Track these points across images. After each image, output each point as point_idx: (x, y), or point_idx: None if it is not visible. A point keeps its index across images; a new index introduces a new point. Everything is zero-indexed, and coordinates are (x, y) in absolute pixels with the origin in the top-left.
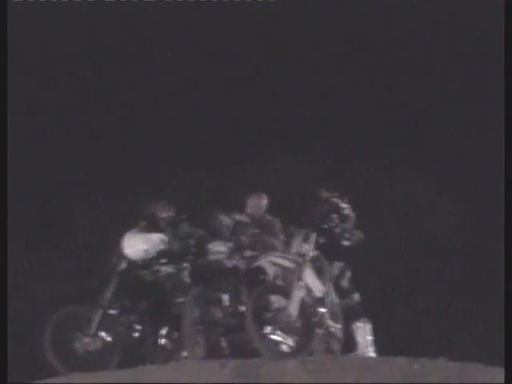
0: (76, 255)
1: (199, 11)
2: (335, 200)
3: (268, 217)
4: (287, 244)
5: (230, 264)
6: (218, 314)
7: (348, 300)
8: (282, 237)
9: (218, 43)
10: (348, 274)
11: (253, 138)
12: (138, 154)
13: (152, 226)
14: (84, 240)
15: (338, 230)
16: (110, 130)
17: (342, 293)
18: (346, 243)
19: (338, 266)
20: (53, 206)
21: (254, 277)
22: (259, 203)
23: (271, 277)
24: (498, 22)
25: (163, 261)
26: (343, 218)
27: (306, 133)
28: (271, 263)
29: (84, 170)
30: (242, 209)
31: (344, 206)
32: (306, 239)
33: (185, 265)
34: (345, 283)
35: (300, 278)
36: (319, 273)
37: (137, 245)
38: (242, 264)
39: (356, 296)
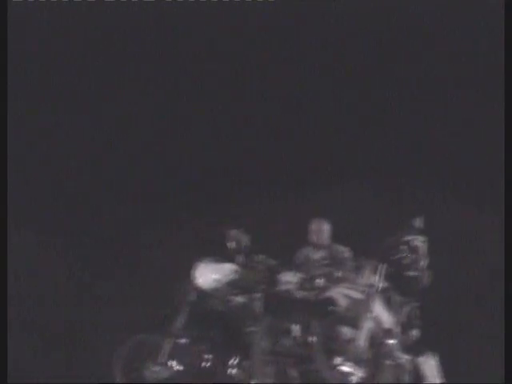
0: (147, 283)
1: (199, 11)
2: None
3: (336, 246)
4: (357, 275)
5: (300, 294)
6: (288, 344)
7: (415, 331)
8: (351, 267)
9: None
10: (416, 304)
11: (326, 164)
12: (211, 179)
13: (224, 255)
14: (155, 268)
15: (407, 261)
16: (176, 147)
17: (410, 324)
18: (413, 275)
19: (404, 302)
20: (124, 231)
21: (324, 308)
22: (320, 229)
23: (341, 308)
24: (498, 22)
25: (235, 291)
26: (412, 249)
27: (372, 157)
28: (341, 294)
29: (156, 193)
30: (306, 237)
31: (413, 237)
32: (375, 270)
33: (256, 295)
34: (413, 314)
35: (369, 310)
36: (388, 304)
37: (208, 274)
38: (312, 295)
39: (417, 332)
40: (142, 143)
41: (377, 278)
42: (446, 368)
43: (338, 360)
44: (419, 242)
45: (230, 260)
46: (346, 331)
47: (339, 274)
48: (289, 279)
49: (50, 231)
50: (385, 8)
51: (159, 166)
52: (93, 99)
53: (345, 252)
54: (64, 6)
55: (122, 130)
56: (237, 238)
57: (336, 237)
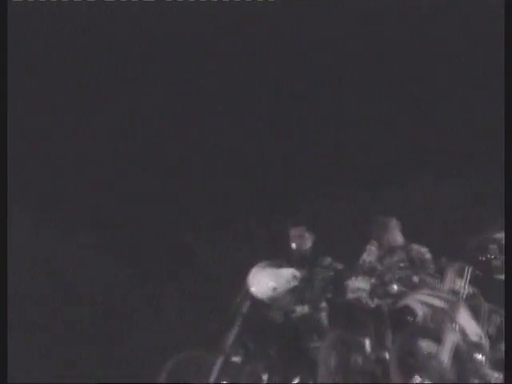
0: (196, 293)
1: (199, 11)
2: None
3: (414, 246)
4: (438, 279)
5: (372, 303)
6: (359, 360)
7: (499, 349)
8: (432, 270)
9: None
10: (501, 317)
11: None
12: (264, 174)
13: (284, 258)
14: (205, 275)
15: (497, 263)
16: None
17: (500, 336)
18: (502, 278)
19: (493, 310)
20: (169, 235)
21: (401, 318)
22: (389, 227)
23: (420, 318)
24: (498, 22)
25: (296, 300)
26: (502, 249)
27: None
28: (420, 302)
29: (205, 193)
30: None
31: (502, 235)
32: (460, 274)
33: (321, 304)
34: (499, 330)
35: (453, 320)
36: (475, 313)
37: (265, 281)
38: (386, 303)
39: (503, 345)
40: (179, 142)
41: (462, 282)
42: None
43: (417, 379)
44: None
45: (291, 264)
46: (426, 345)
47: (418, 278)
48: (359, 286)
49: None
50: (385, 8)
51: (203, 166)
52: (93, 99)
53: (424, 253)
54: (64, 6)
55: (128, 128)
56: (300, 237)
57: (411, 236)
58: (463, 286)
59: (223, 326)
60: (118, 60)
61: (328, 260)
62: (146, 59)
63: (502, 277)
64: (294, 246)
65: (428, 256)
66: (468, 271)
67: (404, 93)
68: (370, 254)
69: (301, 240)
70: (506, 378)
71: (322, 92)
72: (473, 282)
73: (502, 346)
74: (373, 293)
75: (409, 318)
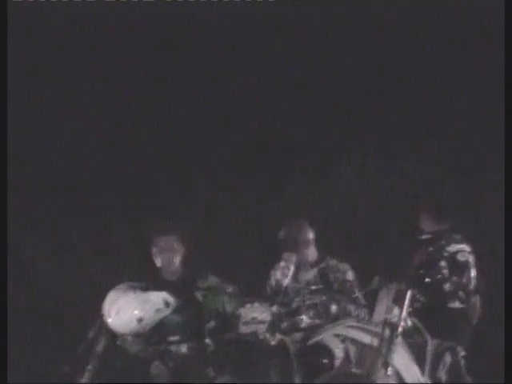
0: (41, 324)
1: (199, 11)
2: (445, 237)
3: (332, 262)
4: (366, 308)
5: (273, 340)
6: None
7: None
8: (358, 295)
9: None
10: (460, 360)
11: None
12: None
13: (151, 280)
14: (52, 300)
15: (447, 287)
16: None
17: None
18: (457, 306)
19: (443, 347)
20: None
21: (313, 360)
22: (301, 237)
23: (339, 360)
24: (498, 21)
25: (169, 336)
26: (456, 267)
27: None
28: (340, 338)
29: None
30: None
31: (459, 247)
32: (397, 299)
33: (203, 342)
34: (453, 372)
35: (387, 362)
36: (417, 354)
37: (127, 310)
38: (292, 340)
39: None
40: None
41: (399, 311)
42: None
43: None
44: (466, 254)
45: (162, 287)
46: None
47: (337, 306)
48: (256, 316)
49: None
50: (385, 8)
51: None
52: (93, 99)
53: (345, 271)
54: (64, 6)
55: (128, 129)
56: (169, 250)
57: (325, 248)
58: (402, 317)
59: (73, 371)
60: (118, 60)
61: (213, 280)
62: (145, 59)
63: (456, 305)
64: (159, 262)
65: (350, 276)
66: (409, 297)
67: (403, 92)
68: (283, 274)
69: (170, 254)
70: (506, 377)
71: (320, 93)
72: (415, 311)
73: None
74: (275, 325)
75: (324, 360)
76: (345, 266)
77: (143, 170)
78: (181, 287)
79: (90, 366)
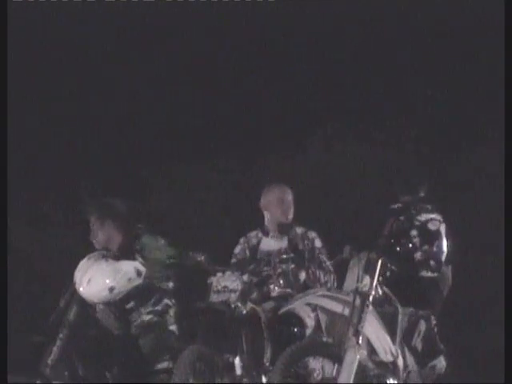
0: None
1: (199, 11)
2: (416, 206)
3: (301, 229)
4: (334, 275)
5: (244, 308)
6: None
7: (432, 366)
8: (328, 264)
9: (224, 43)
10: (433, 324)
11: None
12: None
13: (122, 249)
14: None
15: (418, 256)
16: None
17: (423, 356)
18: (429, 275)
19: (416, 315)
20: None
21: (284, 329)
22: (282, 202)
23: (310, 329)
24: (498, 21)
25: (139, 305)
26: (427, 236)
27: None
28: (311, 307)
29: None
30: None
31: (430, 216)
32: (367, 268)
33: (172, 310)
34: (428, 341)
35: (357, 332)
36: (388, 323)
37: (97, 279)
38: (263, 309)
39: (442, 361)
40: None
41: (370, 280)
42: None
43: None
44: (437, 223)
45: (132, 255)
46: (319, 365)
47: (306, 274)
48: (227, 285)
49: None
50: (384, 7)
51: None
52: (93, 99)
53: (314, 238)
54: (64, 6)
55: (125, 129)
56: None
57: (301, 217)
58: (372, 286)
59: (44, 342)
60: (118, 59)
61: (146, 238)
62: (145, 59)
63: (427, 273)
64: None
65: (318, 243)
66: (380, 265)
67: (403, 92)
68: (244, 242)
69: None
70: (506, 377)
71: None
72: (386, 280)
73: (433, 361)
74: (245, 294)
75: (295, 328)
76: (312, 234)
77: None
78: (150, 255)
79: (61, 335)
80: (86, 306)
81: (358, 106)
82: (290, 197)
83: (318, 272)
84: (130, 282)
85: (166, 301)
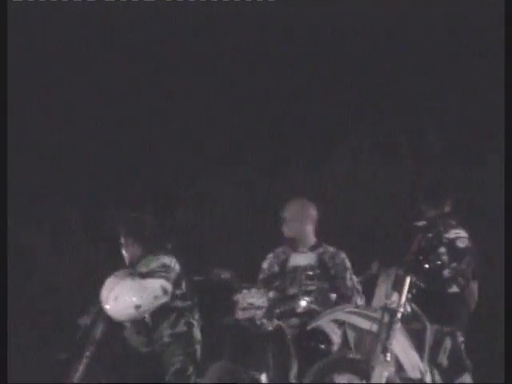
0: (39, 310)
1: (199, 11)
2: (443, 222)
3: (332, 248)
4: (362, 293)
5: (270, 325)
6: None
7: (466, 377)
8: (356, 283)
9: (226, 43)
10: (460, 344)
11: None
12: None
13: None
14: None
15: (447, 273)
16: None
17: (448, 373)
18: (456, 291)
19: (443, 332)
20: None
21: (310, 345)
22: (305, 218)
23: (336, 345)
24: (498, 21)
25: (166, 322)
26: (456, 254)
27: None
28: (337, 323)
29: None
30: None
31: (458, 233)
32: (396, 285)
33: (195, 329)
34: (454, 358)
35: (386, 348)
36: (416, 340)
37: (124, 297)
38: (289, 325)
39: (468, 378)
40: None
41: (398, 297)
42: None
43: None
44: (465, 240)
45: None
46: (347, 381)
47: (337, 294)
48: (253, 301)
49: None
50: (384, 7)
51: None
52: (93, 99)
53: (344, 258)
54: (64, 6)
55: (124, 129)
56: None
57: (327, 233)
58: (401, 303)
59: (70, 358)
60: (118, 60)
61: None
62: (145, 59)
63: (454, 290)
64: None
65: (348, 263)
66: (408, 282)
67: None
68: (271, 258)
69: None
70: (506, 377)
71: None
72: (414, 297)
73: (459, 379)
74: (271, 311)
75: (321, 345)
76: (342, 254)
77: (139, 158)
78: (177, 272)
79: (87, 353)
80: (112, 323)
81: (384, 117)
82: (310, 211)
83: (347, 291)
84: (157, 300)
85: (187, 319)
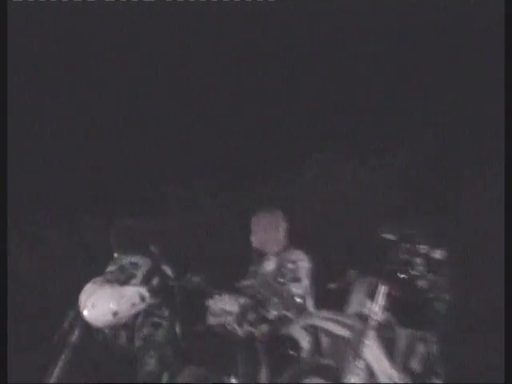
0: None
1: (199, 11)
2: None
3: (295, 252)
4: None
5: (241, 331)
6: None
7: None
8: (309, 283)
9: (223, 44)
10: (433, 350)
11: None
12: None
13: (122, 273)
14: (28, 297)
15: (422, 283)
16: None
17: (420, 379)
18: (433, 303)
19: (416, 338)
20: None
21: (280, 351)
22: (271, 228)
23: (305, 352)
24: (498, 21)
25: (140, 329)
26: (432, 265)
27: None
28: (307, 330)
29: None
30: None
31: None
32: (370, 293)
33: (172, 333)
34: (426, 364)
35: (358, 355)
36: (388, 347)
37: (102, 304)
38: (260, 332)
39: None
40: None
41: (373, 305)
42: (445, 368)
43: None
44: (441, 252)
45: (134, 280)
46: None
47: (301, 298)
48: (225, 308)
49: None
50: (385, 7)
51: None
52: (93, 99)
53: (302, 261)
54: (64, 6)
55: (124, 131)
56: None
57: (302, 241)
58: (375, 311)
59: (48, 361)
60: (118, 60)
61: (172, 271)
62: (145, 59)
63: (430, 303)
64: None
65: (304, 264)
66: (382, 291)
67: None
68: (251, 265)
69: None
70: (506, 377)
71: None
72: (388, 305)
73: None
74: (242, 317)
75: (290, 351)
76: (302, 257)
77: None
78: (152, 279)
79: (63, 356)
80: (89, 328)
81: (357, 131)
82: (276, 221)
83: (300, 293)
84: (134, 307)
85: (153, 319)
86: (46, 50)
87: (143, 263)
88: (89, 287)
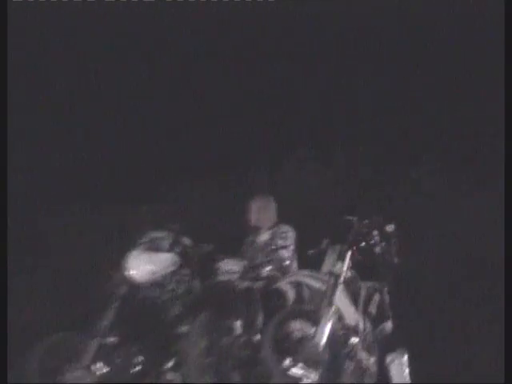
0: (70, 275)
1: (199, 11)
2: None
3: (283, 226)
4: (317, 261)
5: (243, 285)
6: (230, 344)
7: (382, 328)
8: (293, 249)
9: (221, 44)
10: (385, 298)
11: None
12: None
13: (154, 244)
14: (80, 259)
15: (378, 249)
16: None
17: (376, 320)
18: (385, 263)
19: (373, 289)
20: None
21: (271, 301)
22: (265, 208)
23: (291, 301)
24: (498, 21)
25: (169, 284)
26: (385, 237)
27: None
28: (292, 284)
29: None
30: (248, 218)
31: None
32: (340, 256)
33: (191, 288)
34: (381, 309)
35: (331, 302)
36: (353, 297)
37: (144, 265)
38: (257, 286)
39: (390, 324)
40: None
41: (342, 265)
42: (445, 368)
43: (289, 361)
44: (392, 226)
45: (162, 248)
46: (301, 327)
47: (290, 261)
48: (230, 268)
49: None
50: (385, 7)
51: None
52: (93, 99)
53: (288, 232)
54: (64, 6)
55: (124, 130)
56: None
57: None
58: (343, 270)
59: (99, 309)
60: (118, 60)
61: (190, 241)
62: (145, 59)
63: (382, 264)
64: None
65: (290, 234)
66: (349, 255)
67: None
68: (249, 237)
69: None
70: (506, 377)
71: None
72: (353, 266)
73: (384, 325)
74: (244, 275)
75: (279, 300)
76: (288, 229)
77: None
78: (176, 248)
79: (116, 304)
80: (133, 284)
81: (325, 136)
82: (268, 204)
83: (287, 257)
84: (167, 268)
85: (179, 277)
86: (46, 50)
87: (168, 236)
88: (131, 254)
